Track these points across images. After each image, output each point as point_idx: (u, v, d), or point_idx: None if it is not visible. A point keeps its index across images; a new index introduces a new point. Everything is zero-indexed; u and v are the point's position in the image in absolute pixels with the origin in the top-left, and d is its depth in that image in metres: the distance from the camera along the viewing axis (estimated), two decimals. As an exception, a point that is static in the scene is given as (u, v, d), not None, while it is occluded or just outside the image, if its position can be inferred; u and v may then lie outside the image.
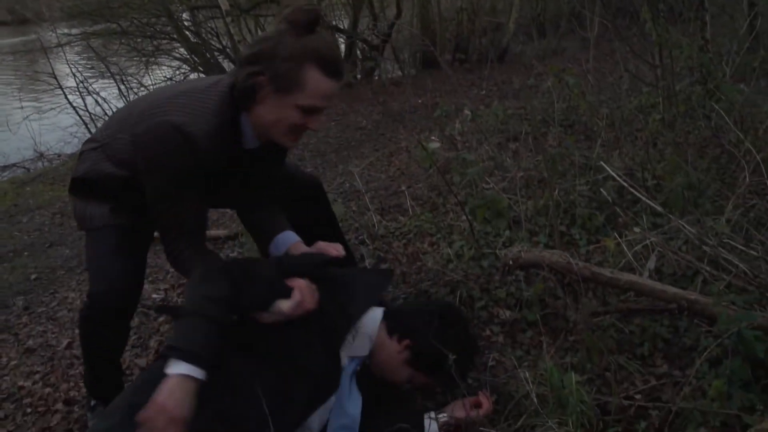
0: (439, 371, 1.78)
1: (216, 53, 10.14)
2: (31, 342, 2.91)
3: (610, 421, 1.74)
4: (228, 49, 9.86)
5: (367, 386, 1.85)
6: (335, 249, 1.94)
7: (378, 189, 3.95)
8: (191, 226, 1.82)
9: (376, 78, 9.11)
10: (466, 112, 4.34)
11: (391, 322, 1.90)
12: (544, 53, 8.86)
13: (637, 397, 1.83)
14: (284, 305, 1.69)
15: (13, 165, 7.74)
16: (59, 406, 2.39)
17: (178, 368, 1.50)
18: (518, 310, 2.31)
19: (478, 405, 1.84)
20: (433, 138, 4.45)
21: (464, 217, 2.83)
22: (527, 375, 1.83)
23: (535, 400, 1.76)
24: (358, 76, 9.25)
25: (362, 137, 5.83)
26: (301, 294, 1.71)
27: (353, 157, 5.14)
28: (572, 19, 8.54)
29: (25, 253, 4.22)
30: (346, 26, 9.46)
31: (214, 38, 10.21)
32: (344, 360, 1.83)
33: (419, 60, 9.67)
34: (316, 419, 1.76)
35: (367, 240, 3.07)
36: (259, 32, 9.36)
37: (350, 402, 1.78)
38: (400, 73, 9.41)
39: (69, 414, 2.34)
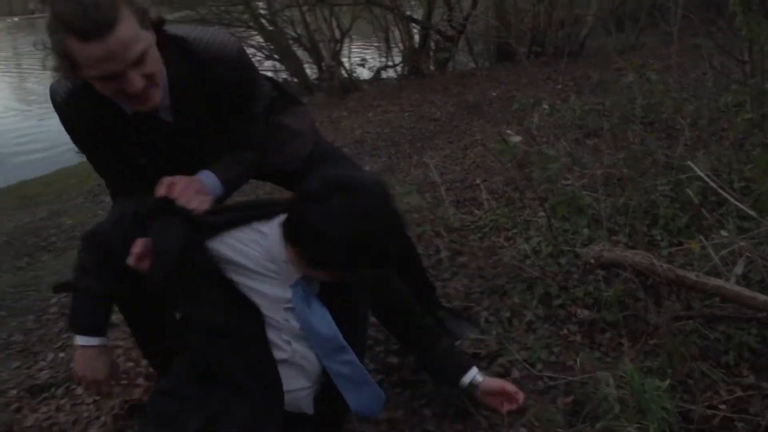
0: (339, 267, 1.50)
1: (290, 41, 10.27)
2: (114, 317, 3.01)
3: (692, 431, 1.71)
4: (302, 38, 9.96)
5: (330, 301, 1.66)
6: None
7: (453, 181, 3.94)
8: (111, 178, 1.82)
9: (450, 69, 9.06)
10: (544, 106, 4.28)
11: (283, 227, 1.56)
12: (622, 47, 8.64)
13: (722, 407, 1.78)
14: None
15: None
16: (140, 380, 2.46)
17: (76, 341, 1.67)
18: (597, 311, 2.28)
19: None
20: (509, 131, 4.41)
21: (542, 213, 2.80)
22: (607, 377, 1.81)
23: (614, 403, 1.74)
24: (432, 67, 9.21)
25: (436, 128, 5.82)
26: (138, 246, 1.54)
27: (427, 148, 5.14)
28: (654, 12, 8.31)
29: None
30: (420, 17, 9.45)
31: (289, 27, 10.33)
32: (287, 293, 1.62)
33: (493, 52, 9.57)
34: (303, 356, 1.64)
35: (443, 232, 3.06)
36: (334, 21, 9.45)
37: (320, 323, 1.62)
38: (473, 64, 9.34)
39: (149, 388, 2.42)
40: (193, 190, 1.62)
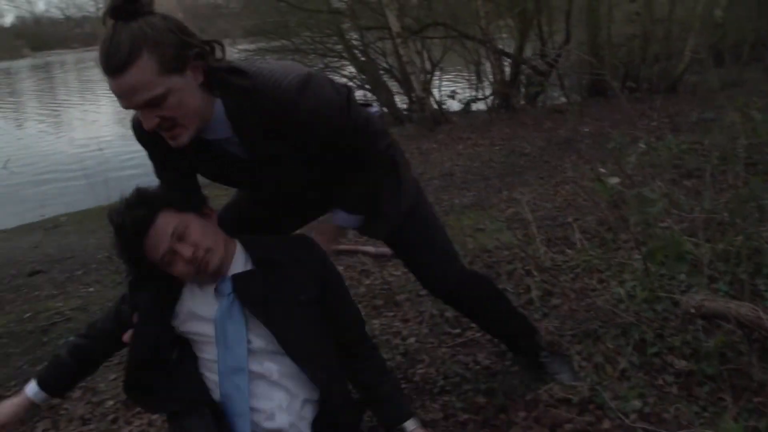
0: None
1: (381, 72, 10.44)
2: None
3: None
4: (393, 69, 10.11)
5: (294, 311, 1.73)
6: None
7: (544, 219, 3.90)
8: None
9: (541, 104, 8.99)
10: (641, 145, 4.18)
11: None
12: (722, 84, 8.37)
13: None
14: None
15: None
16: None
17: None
18: (695, 362, 2.19)
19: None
20: (602, 169, 4.32)
21: (637, 256, 2.73)
22: (706, 433, 1.74)
23: (715, 460, 1.67)
24: (522, 101, 9.17)
25: (526, 163, 5.78)
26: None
27: (517, 183, 5.10)
28: (757, 46, 8.04)
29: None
30: (512, 50, 9.43)
31: (381, 57, 10.51)
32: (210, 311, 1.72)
33: (585, 87, 9.45)
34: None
35: (534, 271, 3.03)
36: (425, 53, 9.55)
37: (234, 336, 1.70)
38: (565, 99, 9.25)
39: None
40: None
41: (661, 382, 2.17)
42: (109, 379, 2.88)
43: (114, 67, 1.41)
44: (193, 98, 1.50)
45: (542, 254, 3.21)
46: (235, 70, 1.56)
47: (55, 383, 1.85)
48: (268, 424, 1.68)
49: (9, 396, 2.81)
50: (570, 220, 3.78)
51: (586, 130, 6.64)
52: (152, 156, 1.78)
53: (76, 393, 2.80)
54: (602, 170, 3.78)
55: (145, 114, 1.48)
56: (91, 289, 4.25)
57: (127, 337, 1.76)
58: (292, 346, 1.69)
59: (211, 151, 1.67)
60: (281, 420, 1.68)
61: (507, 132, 7.22)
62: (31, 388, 1.82)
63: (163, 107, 1.46)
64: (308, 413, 1.73)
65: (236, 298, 1.69)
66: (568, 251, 3.28)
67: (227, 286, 1.70)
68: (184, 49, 1.46)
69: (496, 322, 2.28)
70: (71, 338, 1.97)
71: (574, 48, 9.26)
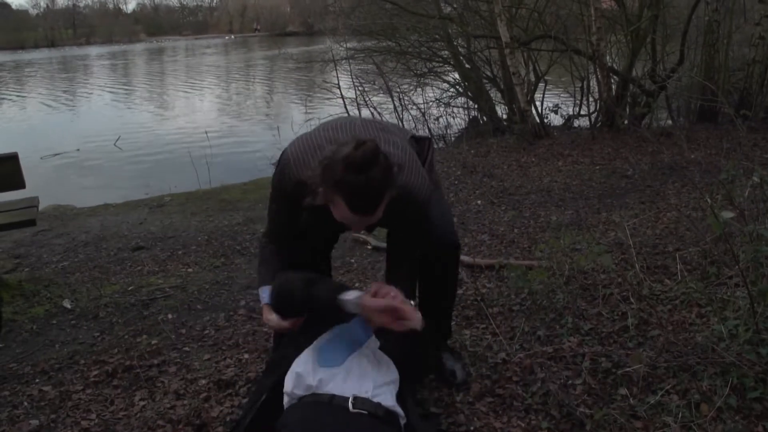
0: None
1: (485, 81, 10.39)
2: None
3: None
4: (498, 78, 10.05)
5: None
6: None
7: (643, 245, 3.80)
8: (278, 230, 2.29)
9: (646, 125, 8.72)
10: (755, 178, 4.01)
11: None
12: None
13: None
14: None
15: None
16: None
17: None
18: (799, 411, 2.11)
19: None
20: (709, 199, 4.17)
21: (743, 294, 2.64)
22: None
23: None
24: (626, 121, 8.91)
25: (627, 186, 5.63)
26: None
27: (617, 206, 4.99)
28: None
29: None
30: (620, 68, 9.20)
31: (486, 66, 10.47)
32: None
33: (694, 111, 9.11)
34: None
35: (631, 298, 2.97)
36: (531, 65, 9.45)
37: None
38: (671, 121, 8.96)
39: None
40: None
41: (760, 429, 2.09)
42: (203, 358, 3.01)
43: (364, 211, 1.80)
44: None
45: (640, 282, 3.14)
46: None
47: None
48: None
49: (112, 362, 3.00)
50: (671, 248, 3.68)
51: (693, 156, 6.42)
52: (285, 212, 2.22)
53: (172, 368, 2.95)
54: (708, 199, 3.67)
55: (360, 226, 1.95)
56: (190, 270, 4.44)
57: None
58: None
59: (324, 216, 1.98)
60: None
61: (609, 151, 7.06)
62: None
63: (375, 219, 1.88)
64: None
65: None
66: (667, 281, 3.20)
67: None
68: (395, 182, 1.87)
69: (451, 293, 2.62)
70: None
71: (687, 70, 8.96)
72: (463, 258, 3.63)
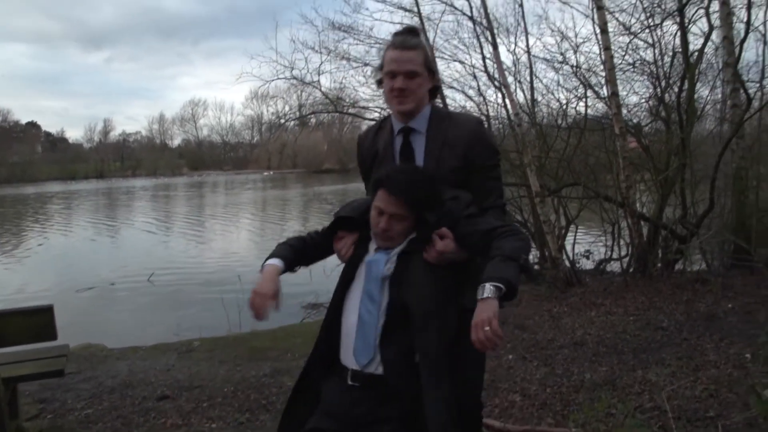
0: None
1: (516, 224, 10.44)
2: None
3: None
4: (528, 224, 10.11)
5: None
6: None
7: (682, 409, 3.65)
8: None
9: (679, 271, 8.57)
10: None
11: None
12: None
13: None
14: None
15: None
16: None
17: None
18: None
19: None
20: (748, 355, 4.04)
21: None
22: None
23: None
24: (659, 265, 8.78)
25: (663, 339, 5.47)
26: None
27: (652, 362, 4.82)
28: None
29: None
30: (650, 212, 9.20)
31: (517, 211, 10.55)
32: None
33: (728, 256, 8.98)
34: None
35: (671, 476, 2.83)
36: (561, 209, 9.51)
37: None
38: (704, 267, 8.83)
39: None
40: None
41: None
42: None
43: (404, 45, 2.29)
44: (423, 89, 2.36)
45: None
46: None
47: (285, 255, 2.25)
48: None
49: None
50: (712, 413, 3.53)
51: (730, 306, 6.28)
52: (362, 157, 2.58)
53: None
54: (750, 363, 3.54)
55: (399, 79, 2.29)
56: (214, 425, 4.35)
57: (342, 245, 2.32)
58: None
59: (393, 146, 2.43)
60: None
61: (643, 300, 6.94)
62: (272, 261, 2.21)
63: (411, 81, 2.30)
64: None
65: None
66: (710, 453, 3.05)
67: None
68: (432, 65, 2.41)
69: None
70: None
71: (716, 215, 8.94)
72: (493, 422, 3.51)
